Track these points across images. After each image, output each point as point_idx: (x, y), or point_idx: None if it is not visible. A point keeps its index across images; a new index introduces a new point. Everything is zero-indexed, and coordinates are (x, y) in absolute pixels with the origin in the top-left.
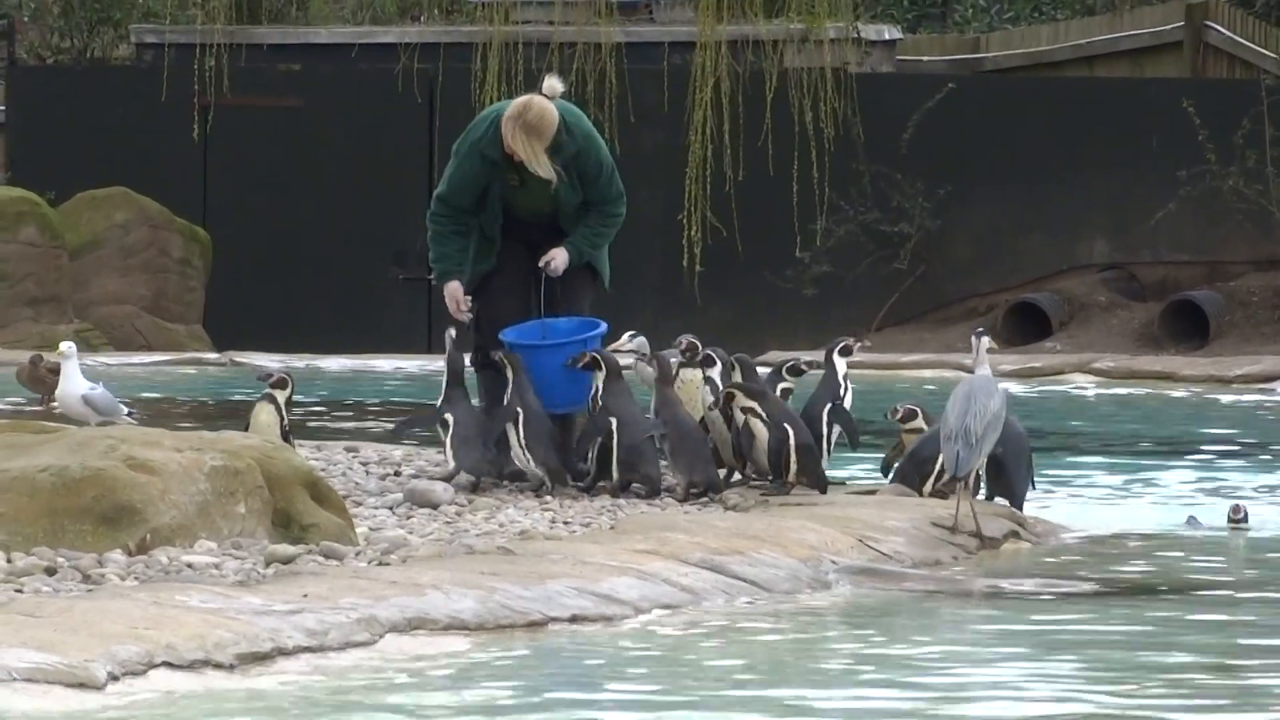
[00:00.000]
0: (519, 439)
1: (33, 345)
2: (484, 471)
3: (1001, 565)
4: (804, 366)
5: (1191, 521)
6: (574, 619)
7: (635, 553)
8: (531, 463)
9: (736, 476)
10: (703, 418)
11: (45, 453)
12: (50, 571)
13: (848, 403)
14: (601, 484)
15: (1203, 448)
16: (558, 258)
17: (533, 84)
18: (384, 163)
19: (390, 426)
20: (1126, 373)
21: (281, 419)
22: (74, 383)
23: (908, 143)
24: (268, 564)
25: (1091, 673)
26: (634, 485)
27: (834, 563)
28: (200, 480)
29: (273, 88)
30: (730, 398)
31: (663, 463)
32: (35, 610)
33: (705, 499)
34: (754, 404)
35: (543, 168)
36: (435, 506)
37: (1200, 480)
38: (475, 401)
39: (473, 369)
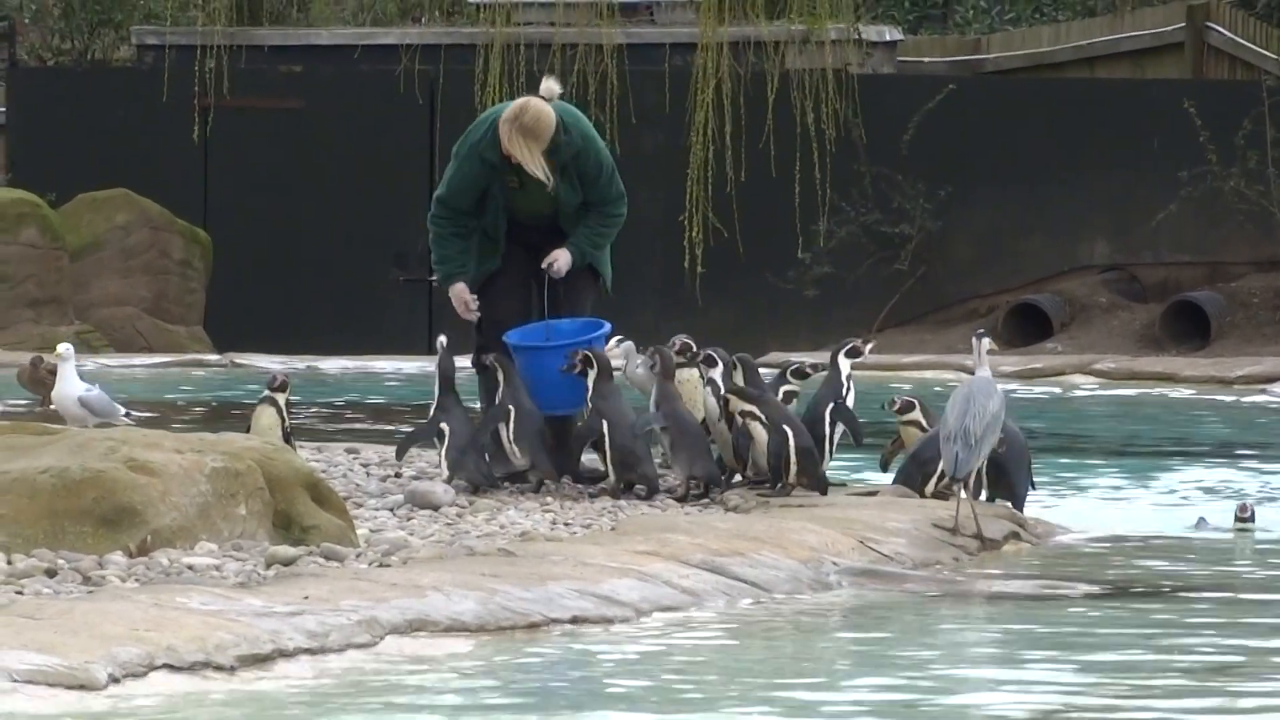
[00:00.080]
0: (508, 437)
1: (34, 347)
2: (479, 483)
3: (1002, 567)
4: (809, 369)
5: (1201, 523)
6: (575, 620)
7: (636, 554)
8: (517, 456)
9: (738, 478)
10: (704, 418)
11: (46, 454)
12: (51, 573)
13: (849, 404)
14: (601, 485)
15: (1204, 449)
16: (560, 259)
17: (534, 86)
18: (385, 164)
19: (389, 430)
20: (1127, 374)
21: (283, 421)
22: (70, 384)
23: (909, 144)
24: (268, 566)
25: (1093, 674)
26: (635, 486)
27: (835, 564)
28: (201, 482)
29: (273, 89)
30: (728, 402)
31: (660, 461)
32: (35, 612)
33: (706, 500)
34: (752, 407)
35: (539, 170)
36: (436, 508)
37: (1202, 481)
38: (475, 402)
39: (474, 370)
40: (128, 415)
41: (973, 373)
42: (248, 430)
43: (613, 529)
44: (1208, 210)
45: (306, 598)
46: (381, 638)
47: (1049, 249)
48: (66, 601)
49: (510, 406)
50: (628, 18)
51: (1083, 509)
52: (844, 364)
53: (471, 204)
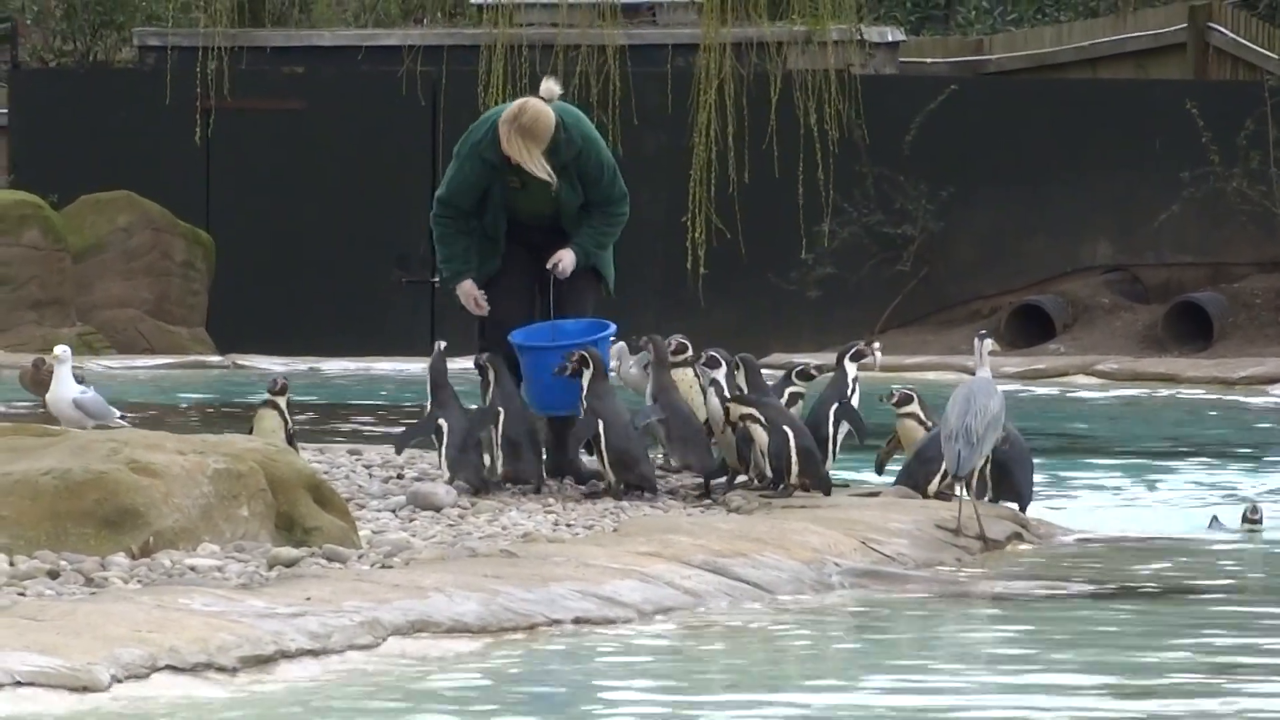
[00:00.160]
0: (496, 439)
1: (36, 348)
2: (478, 484)
3: (1005, 567)
4: (814, 371)
5: (1215, 522)
6: (577, 621)
7: (638, 555)
8: (501, 461)
9: (741, 478)
10: (707, 419)
11: (48, 456)
12: (53, 575)
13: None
14: (594, 483)
15: (1206, 449)
16: (565, 259)
17: (537, 87)
18: (387, 166)
19: (391, 432)
20: (1130, 375)
21: (286, 423)
22: (65, 386)
23: (911, 144)
24: (270, 567)
25: (1094, 674)
26: (634, 488)
27: (837, 565)
28: (203, 483)
29: (275, 90)
30: (729, 411)
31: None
32: (38, 613)
33: (708, 501)
34: (751, 410)
35: (540, 170)
36: (438, 509)
37: (1204, 482)
38: (473, 404)
39: (474, 371)
40: (122, 417)
41: (974, 374)
42: (250, 433)
43: (615, 530)
44: (1210, 211)
45: (309, 599)
46: (384, 639)
47: (1051, 250)
48: (69, 603)
49: (500, 408)
50: (630, 19)
51: (1085, 510)
52: (850, 367)
53: (472, 204)
